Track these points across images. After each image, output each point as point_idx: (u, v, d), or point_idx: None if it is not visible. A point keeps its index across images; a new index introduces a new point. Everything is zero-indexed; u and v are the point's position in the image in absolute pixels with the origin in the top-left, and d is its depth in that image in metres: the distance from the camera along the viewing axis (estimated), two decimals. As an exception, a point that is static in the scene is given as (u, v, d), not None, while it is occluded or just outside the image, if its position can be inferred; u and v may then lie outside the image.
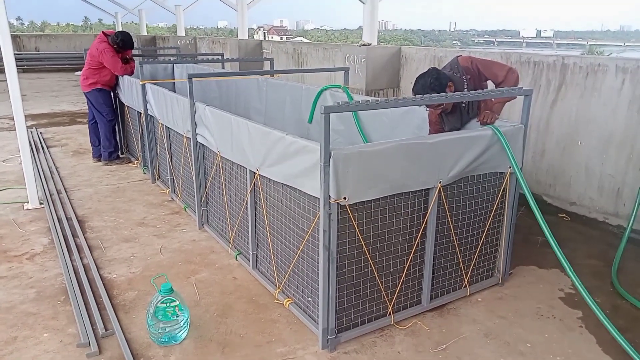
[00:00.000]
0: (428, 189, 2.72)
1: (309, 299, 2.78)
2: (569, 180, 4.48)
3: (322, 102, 4.62)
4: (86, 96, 5.97)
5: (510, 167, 3.02)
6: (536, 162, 4.72)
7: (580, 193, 4.42)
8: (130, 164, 6.10)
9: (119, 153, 6.24)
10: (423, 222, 2.76)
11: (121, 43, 5.72)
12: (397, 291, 2.80)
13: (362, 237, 2.54)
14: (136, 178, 5.59)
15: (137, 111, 5.51)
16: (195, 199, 4.10)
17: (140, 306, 3.04)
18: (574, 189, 4.47)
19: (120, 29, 20.22)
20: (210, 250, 3.81)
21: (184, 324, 2.69)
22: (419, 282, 2.90)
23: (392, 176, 2.53)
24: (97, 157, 6.18)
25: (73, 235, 3.98)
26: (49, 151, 6.65)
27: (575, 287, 2.91)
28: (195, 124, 3.87)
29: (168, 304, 2.64)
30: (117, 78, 5.96)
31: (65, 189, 5.13)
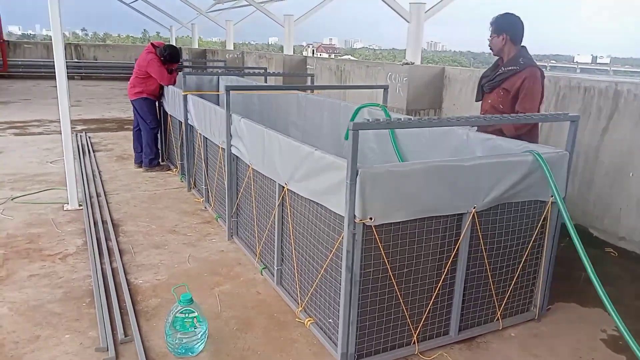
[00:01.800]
0: (461, 214, 2.58)
1: (330, 320, 2.68)
2: (618, 213, 4.21)
3: (360, 119, 4.55)
4: (132, 104, 6.15)
5: (552, 196, 2.85)
6: (583, 192, 4.47)
7: (630, 227, 4.13)
8: (169, 172, 6.21)
9: (160, 160, 6.36)
10: (454, 248, 2.62)
11: (168, 57, 5.88)
12: (423, 319, 2.66)
13: (388, 260, 2.44)
14: (173, 185, 5.67)
15: (179, 120, 5.61)
16: (226, 209, 4.10)
17: (162, 314, 3.02)
18: (623, 223, 4.19)
19: (174, 42, 21.01)
20: (237, 262, 3.77)
21: (201, 336, 2.64)
22: (447, 312, 2.75)
23: (422, 199, 2.42)
24: (139, 163, 6.33)
25: (106, 239, 4.05)
26: (94, 155, 6.87)
27: (619, 330, 2.69)
28: (231, 135, 3.88)
29: (187, 315, 2.60)
30: (162, 88, 6.11)
31: (104, 192, 5.26)
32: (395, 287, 2.51)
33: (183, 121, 5.28)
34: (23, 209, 4.72)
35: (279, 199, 3.15)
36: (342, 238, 2.38)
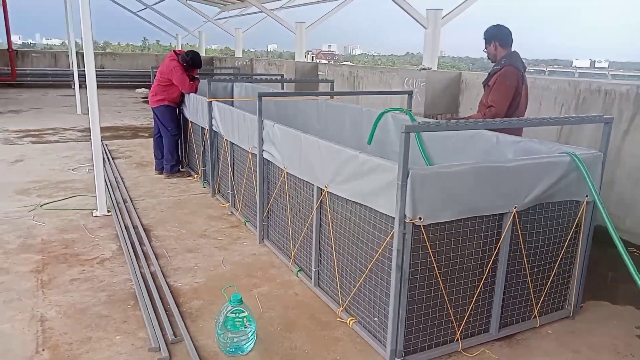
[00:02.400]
0: (503, 213, 2.67)
1: (375, 319, 2.76)
2: (641, 214, 4.29)
3: (384, 125, 4.64)
4: (153, 111, 6.23)
5: (587, 196, 2.93)
6: (605, 193, 4.53)
7: (653, 227, 4.22)
8: (190, 178, 6.29)
9: (180, 167, 6.45)
10: (496, 247, 2.70)
11: (190, 62, 5.99)
12: (466, 317, 2.74)
13: (435, 260, 2.52)
14: (196, 191, 5.75)
15: (201, 127, 5.71)
16: (257, 213, 4.18)
17: (206, 315, 3.09)
18: (645, 223, 4.27)
19: (181, 49, 21.16)
20: (271, 264, 3.85)
21: (251, 336, 2.71)
22: (488, 310, 2.82)
23: (467, 199, 2.51)
24: (160, 169, 6.41)
25: (140, 243, 4.12)
26: (114, 162, 6.96)
27: None
28: (262, 141, 3.97)
29: (237, 315, 2.68)
30: (182, 95, 6.20)
31: (130, 199, 5.34)
32: (441, 285, 2.59)
33: (207, 128, 5.37)
34: (53, 215, 4.80)
35: (317, 202, 3.23)
36: (391, 238, 2.47)
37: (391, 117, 4.61)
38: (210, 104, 5.23)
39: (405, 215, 2.36)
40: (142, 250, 3.99)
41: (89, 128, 4.94)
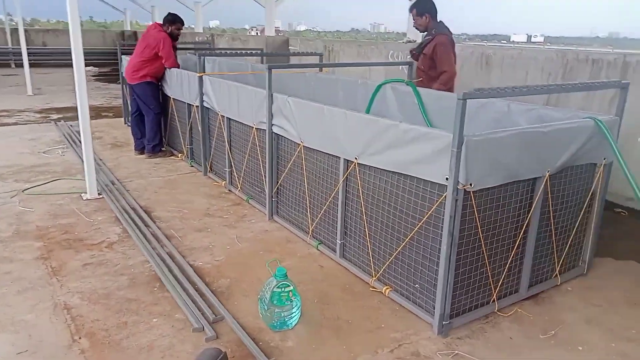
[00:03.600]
0: (536, 178, 2.76)
1: (416, 285, 2.81)
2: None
3: (381, 96, 4.65)
4: (132, 88, 5.94)
5: (605, 159, 3.08)
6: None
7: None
8: (172, 157, 6.08)
9: (162, 146, 6.21)
10: (529, 210, 2.80)
11: (170, 17, 5.75)
12: (501, 279, 2.84)
13: (479, 224, 2.58)
14: (184, 170, 5.57)
15: (187, 104, 5.50)
16: (267, 190, 4.11)
17: (237, 293, 3.04)
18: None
19: (129, 28, 20.12)
20: (286, 240, 3.82)
21: (296, 310, 2.70)
22: (519, 270, 2.94)
23: (510, 164, 2.57)
24: (140, 149, 6.15)
25: (145, 224, 3.97)
26: (86, 143, 6.59)
27: None
28: (272, 115, 3.88)
29: (283, 289, 2.65)
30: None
31: (118, 180, 5.11)
32: (483, 248, 2.66)
33: (197, 104, 5.19)
34: (39, 200, 4.52)
35: (344, 174, 3.22)
36: (438, 205, 2.51)
37: (390, 88, 4.62)
38: (201, 78, 5.04)
39: (458, 182, 2.40)
40: (150, 232, 3.84)
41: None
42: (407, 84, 4.46)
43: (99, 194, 4.65)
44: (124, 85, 7.78)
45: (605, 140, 2.98)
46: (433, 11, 4.68)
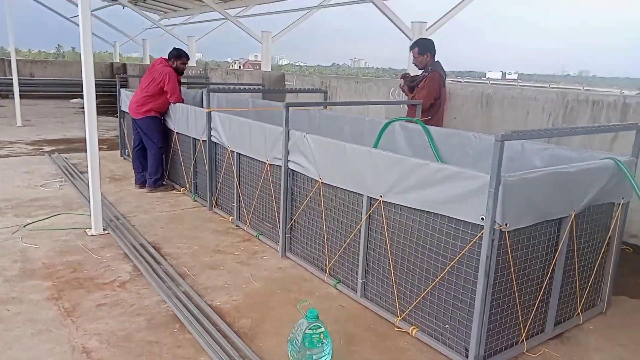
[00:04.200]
0: (562, 217, 2.80)
1: (447, 326, 2.78)
2: (629, 212, 4.65)
3: (390, 134, 4.71)
4: (136, 123, 5.90)
5: (623, 198, 3.15)
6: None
7: (642, 226, 4.58)
8: (174, 191, 6.01)
9: (163, 180, 6.14)
10: (556, 250, 2.83)
11: (176, 53, 5.81)
12: (530, 319, 2.83)
13: (512, 264, 2.59)
14: (188, 205, 5.50)
15: (193, 138, 5.48)
16: (280, 226, 4.07)
17: (261, 334, 2.97)
18: (634, 221, 4.63)
19: (117, 59, 20.17)
20: (302, 278, 3.76)
21: (328, 352, 2.64)
22: (545, 310, 2.94)
23: (541, 204, 2.61)
24: (141, 183, 6.08)
25: (156, 262, 3.88)
26: (84, 177, 6.49)
27: None
28: (288, 152, 3.89)
29: (314, 331, 2.59)
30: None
31: (122, 215, 5.01)
32: (515, 289, 2.66)
33: (203, 139, 5.18)
34: (42, 236, 4.39)
35: (367, 212, 3.21)
36: (472, 245, 2.51)
37: (399, 126, 4.68)
38: (209, 114, 5.04)
39: (495, 222, 2.41)
40: (162, 269, 3.75)
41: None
42: (416, 122, 4.52)
43: (104, 229, 4.55)
44: (122, 119, 7.75)
45: (623, 180, 3.06)
46: (433, 51, 5.10)
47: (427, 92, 4.96)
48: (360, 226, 3.28)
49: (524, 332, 2.83)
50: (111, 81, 18.50)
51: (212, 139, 5.08)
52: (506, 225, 2.45)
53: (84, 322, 3.02)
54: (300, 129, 5.74)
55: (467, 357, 2.66)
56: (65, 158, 7.58)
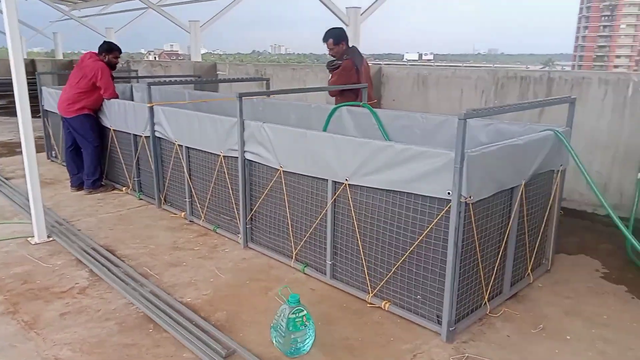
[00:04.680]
0: (513, 187, 3.03)
1: (418, 297, 2.94)
2: (558, 179, 5.09)
3: (337, 119, 4.81)
4: (67, 122, 5.57)
5: (561, 165, 3.46)
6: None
7: (569, 189, 5.03)
8: (115, 191, 5.77)
9: (102, 181, 5.86)
10: (510, 217, 3.07)
11: (106, 46, 5.57)
12: (490, 282, 3.07)
13: (476, 233, 2.78)
14: (134, 204, 5.31)
15: (134, 134, 5.28)
16: (241, 217, 4.06)
17: (239, 324, 2.98)
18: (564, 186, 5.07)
19: (26, 56, 18.65)
20: (268, 266, 3.79)
21: (311, 334, 2.71)
22: (503, 273, 3.19)
23: (498, 176, 2.82)
24: (77, 185, 5.77)
25: (114, 264, 3.75)
26: (11, 183, 6.05)
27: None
28: (244, 142, 3.87)
29: (297, 315, 2.65)
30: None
31: (64, 220, 4.76)
32: (478, 255, 2.87)
33: (146, 135, 5.00)
34: (-21, 249, 4.09)
35: (332, 196, 3.30)
36: (440, 219, 2.68)
37: (346, 110, 4.79)
38: (151, 109, 4.87)
39: (461, 195, 2.58)
40: (122, 272, 3.63)
41: None
42: (363, 106, 4.65)
43: (48, 236, 4.30)
44: (46, 118, 7.27)
45: (561, 149, 3.36)
46: (346, 38, 5.19)
47: (335, 79, 5.09)
48: (327, 210, 3.36)
49: (486, 295, 3.05)
50: (20, 79, 17.22)
51: (156, 134, 4.93)
52: (470, 197, 2.63)
53: (49, 333, 2.88)
54: (245, 118, 5.73)
55: (439, 324, 2.84)
56: (-15, 164, 7.01)
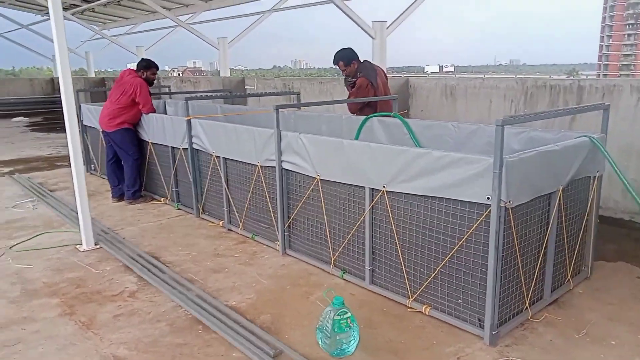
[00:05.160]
0: (551, 192, 3.09)
1: (459, 301, 3.00)
2: (592, 187, 5.09)
3: (368, 129, 4.92)
4: (108, 136, 5.82)
5: (598, 171, 3.49)
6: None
7: (604, 197, 5.02)
8: (154, 202, 5.97)
9: (141, 192, 6.07)
10: (549, 222, 3.12)
11: (145, 63, 5.83)
12: (531, 287, 3.11)
13: (516, 237, 2.85)
14: (172, 214, 5.50)
15: (172, 147, 5.48)
16: (279, 225, 4.18)
17: (284, 327, 3.09)
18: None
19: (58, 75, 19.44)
20: (307, 272, 3.90)
21: (356, 335, 2.80)
22: (543, 278, 3.23)
23: (535, 181, 2.88)
24: (118, 196, 5.99)
25: (160, 271, 3.90)
26: (55, 195, 6.31)
27: None
28: (281, 152, 4.01)
29: (342, 316, 2.75)
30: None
31: (109, 229, 4.96)
32: (519, 260, 2.92)
33: (184, 147, 5.20)
34: (31, 256, 4.30)
35: (370, 203, 3.39)
36: (480, 223, 2.75)
37: (377, 121, 4.90)
38: (189, 122, 5.07)
39: (500, 200, 2.65)
40: (169, 277, 3.78)
41: None
42: (394, 117, 4.76)
43: (95, 244, 4.50)
44: (85, 133, 7.56)
45: (597, 155, 3.40)
46: (357, 57, 5.20)
47: (352, 98, 5.20)
48: (364, 217, 3.46)
49: (527, 299, 3.10)
50: (54, 97, 17.91)
51: (194, 146, 5.11)
52: (509, 202, 2.70)
53: (106, 333, 3.03)
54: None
55: (481, 327, 2.89)
56: (29, 178, 7.32)
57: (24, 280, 3.80)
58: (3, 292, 3.59)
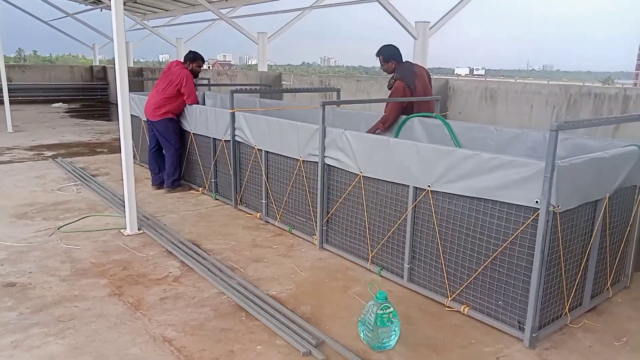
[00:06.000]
0: (598, 200, 3.08)
1: (500, 302, 3.03)
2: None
3: (408, 129, 4.96)
4: (152, 125, 5.98)
5: (644, 181, 3.47)
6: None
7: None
8: (192, 191, 6.12)
9: (180, 181, 6.23)
10: (593, 229, 3.12)
11: (192, 55, 5.97)
12: (572, 293, 3.11)
13: (561, 242, 2.86)
14: (211, 204, 5.63)
15: (214, 138, 5.61)
16: (318, 219, 4.26)
17: (324, 318, 3.16)
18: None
19: (97, 63, 19.92)
20: (344, 267, 3.97)
21: (397, 330, 2.85)
22: (583, 285, 3.23)
23: (584, 187, 2.88)
24: (158, 184, 6.16)
25: (202, 258, 4.02)
26: (97, 180, 6.52)
27: None
28: (324, 148, 4.08)
29: (385, 311, 2.81)
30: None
31: (150, 216, 5.11)
32: (562, 265, 2.93)
33: (226, 139, 5.32)
34: (78, 238, 4.47)
35: (413, 201, 3.44)
36: (526, 226, 2.77)
37: (418, 121, 4.93)
38: (233, 114, 5.18)
39: (550, 204, 2.67)
40: (211, 264, 3.90)
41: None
42: (436, 117, 4.78)
43: (139, 229, 4.65)
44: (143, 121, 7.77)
45: (644, 165, 3.37)
46: (398, 57, 5.07)
47: (391, 106, 5.05)
48: (407, 215, 3.51)
49: (567, 305, 3.10)
50: (92, 84, 18.40)
51: (237, 138, 5.23)
52: (558, 206, 2.71)
53: (154, 314, 3.16)
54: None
55: (521, 330, 2.91)
56: (71, 162, 7.58)
57: (72, 260, 3.97)
58: (54, 270, 3.77)
